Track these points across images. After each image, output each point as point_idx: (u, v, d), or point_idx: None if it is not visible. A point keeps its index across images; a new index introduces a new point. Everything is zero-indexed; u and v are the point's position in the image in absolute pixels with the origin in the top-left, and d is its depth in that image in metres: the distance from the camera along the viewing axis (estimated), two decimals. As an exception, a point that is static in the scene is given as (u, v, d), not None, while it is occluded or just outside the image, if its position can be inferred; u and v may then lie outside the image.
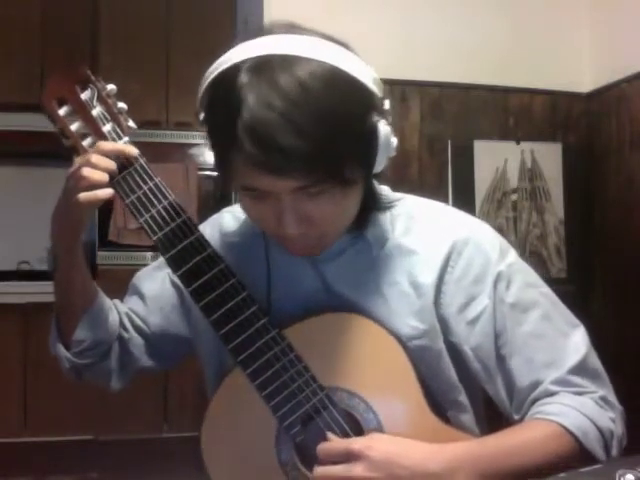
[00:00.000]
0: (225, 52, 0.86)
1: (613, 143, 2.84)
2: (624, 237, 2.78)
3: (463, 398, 0.99)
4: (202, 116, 0.89)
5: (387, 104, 0.90)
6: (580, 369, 0.93)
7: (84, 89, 0.95)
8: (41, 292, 3.59)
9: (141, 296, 1.10)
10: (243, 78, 0.81)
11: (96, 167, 0.89)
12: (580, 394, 0.92)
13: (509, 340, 0.95)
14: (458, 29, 2.84)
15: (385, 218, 0.99)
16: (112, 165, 0.90)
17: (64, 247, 0.97)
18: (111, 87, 0.96)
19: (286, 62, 0.82)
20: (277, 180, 0.82)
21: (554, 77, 2.94)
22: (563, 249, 2.92)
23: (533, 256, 2.86)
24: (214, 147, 0.89)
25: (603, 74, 2.89)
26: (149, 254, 3.54)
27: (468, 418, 0.99)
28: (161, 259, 1.03)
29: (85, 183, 0.89)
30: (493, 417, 1.01)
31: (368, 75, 0.86)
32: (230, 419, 0.93)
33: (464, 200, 2.78)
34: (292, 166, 0.80)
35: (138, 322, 1.09)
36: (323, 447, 0.88)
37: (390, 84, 2.77)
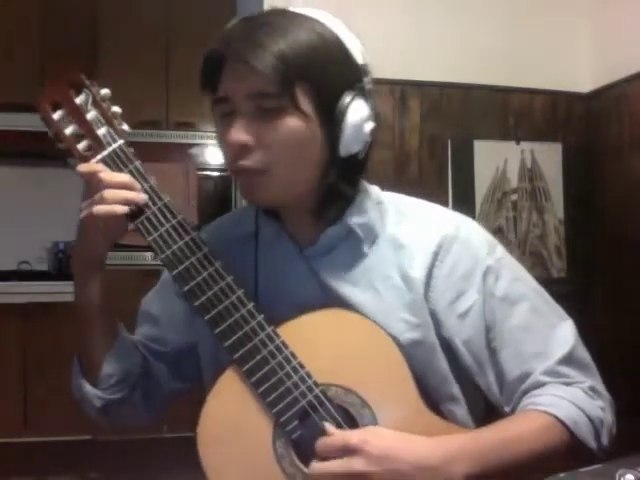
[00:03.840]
0: None
1: (613, 143, 2.83)
2: (624, 237, 2.78)
3: (457, 391, 1.00)
4: None
5: (369, 83, 0.95)
6: (569, 360, 0.96)
7: (78, 93, 0.96)
8: (41, 292, 3.60)
9: (152, 319, 1.12)
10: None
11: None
12: (569, 384, 0.95)
13: (499, 333, 0.97)
14: (458, 29, 2.83)
15: (375, 214, 1.01)
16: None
17: (85, 273, 1.00)
18: (105, 91, 0.97)
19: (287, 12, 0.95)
20: (238, 83, 0.90)
21: (554, 77, 2.93)
22: (563, 249, 2.92)
23: (533, 256, 2.86)
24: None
25: (603, 74, 2.89)
26: (149, 254, 3.53)
27: (462, 411, 1.01)
28: (161, 280, 1.11)
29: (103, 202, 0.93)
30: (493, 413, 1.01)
31: (360, 54, 0.96)
32: (227, 417, 0.93)
33: (464, 200, 2.78)
34: (250, 68, 0.87)
35: (155, 347, 1.10)
36: (322, 442, 0.88)
37: (390, 84, 2.77)
